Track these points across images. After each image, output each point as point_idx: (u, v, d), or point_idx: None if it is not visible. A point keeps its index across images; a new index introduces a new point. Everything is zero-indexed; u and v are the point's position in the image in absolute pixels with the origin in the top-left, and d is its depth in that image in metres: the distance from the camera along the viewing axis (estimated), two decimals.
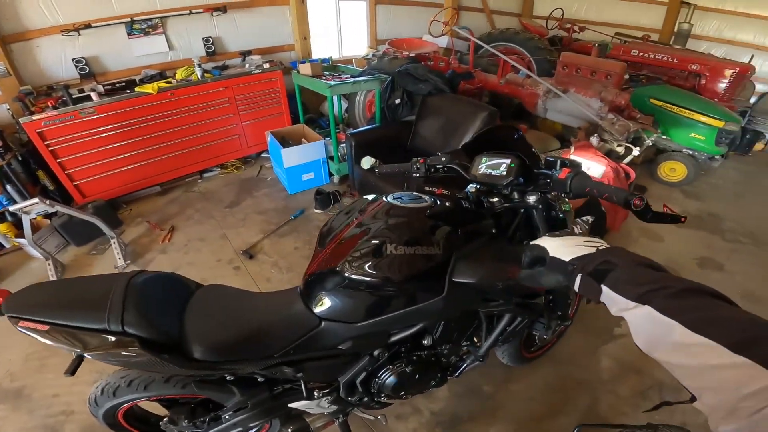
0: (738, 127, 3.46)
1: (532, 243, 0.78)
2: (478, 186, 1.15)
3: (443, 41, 5.07)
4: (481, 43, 3.96)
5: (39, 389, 1.86)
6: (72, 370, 0.92)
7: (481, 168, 1.09)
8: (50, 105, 2.90)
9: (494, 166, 1.07)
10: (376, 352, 1.12)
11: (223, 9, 3.93)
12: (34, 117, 2.78)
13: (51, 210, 2.42)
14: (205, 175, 3.94)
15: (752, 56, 4.80)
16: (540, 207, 1.06)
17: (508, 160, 1.04)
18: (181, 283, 1.08)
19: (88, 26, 3.30)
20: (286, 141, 3.62)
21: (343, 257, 0.97)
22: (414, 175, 1.33)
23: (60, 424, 1.70)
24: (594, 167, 2.54)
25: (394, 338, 1.12)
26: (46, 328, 0.84)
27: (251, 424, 1.18)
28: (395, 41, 4.96)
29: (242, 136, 3.97)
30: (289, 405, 1.18)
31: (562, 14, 5.88)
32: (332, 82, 3.31)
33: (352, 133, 3.26)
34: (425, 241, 0.97)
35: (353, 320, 0.99)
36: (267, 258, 2.74)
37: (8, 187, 2.83)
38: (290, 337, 0.99)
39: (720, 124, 3.44)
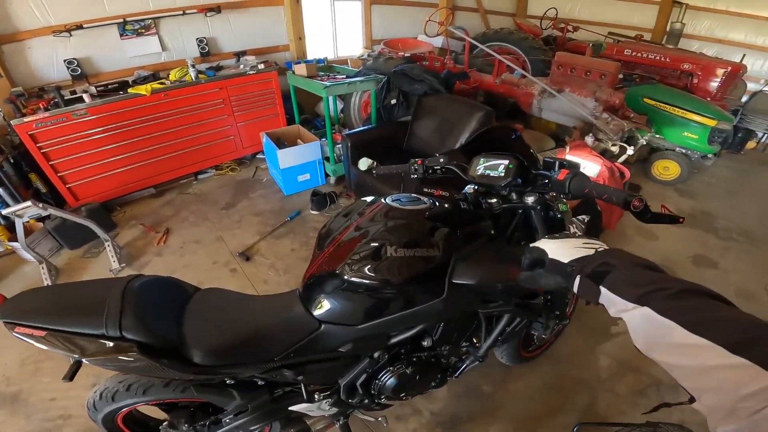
0: (730, 126, 3.51)
1: (531, 245, 0.78)
2: (476, 187, 1.16)
3: (438, 41, 5.07)
4: (476, 43, 3.97)
5: (36, 393, 1.85)
6: (70, 376, 0.91)
7: (479, 169, 1.10)
8: (42, 107, 2.86)
9: (492, 167, 1.07)
10: (376, 354, 1.12)
11: (217, 9, 3.90)
12: (26, 119, 2.75)
13: (44, 213, 2.39)
14: (200, 176, 3.92)
15: (744, 55, 4.86)
16: (538, 208, 1.06)
17: (506, 161, 1.05)
18: (178, 286, 1.07)
19: (79, 27, 3.26)
20: (281, 142, 3.61)
21: (342, 260, 0.97)
22: (412, 176, 1.33)
23: (58, 429, 1.69)
24: (589, 166, 2.56)
25: (394, 340, 1.11)
26: (42, 333, 0.84)
27: (252, 428, 1.17)
28: (390, 41, 4.96)
29: (237, 137, 3.95)
30: (290, 408, 1.17)
31: (556, 14, 5.92)
32: (328, 83, 3.30)
33: (349, 133, 3.26)
34: (425, 243, 0.97)
35: (353, 323, 0.99)
36: (264, 260, 2.73)
37: (0, 190, 2.79)
38: (290, 341, 0.99)
39: (713, 123, 3.47)
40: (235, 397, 1.08)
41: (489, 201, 1.11)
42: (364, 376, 1.15)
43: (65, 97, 2.96)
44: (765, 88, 4.76)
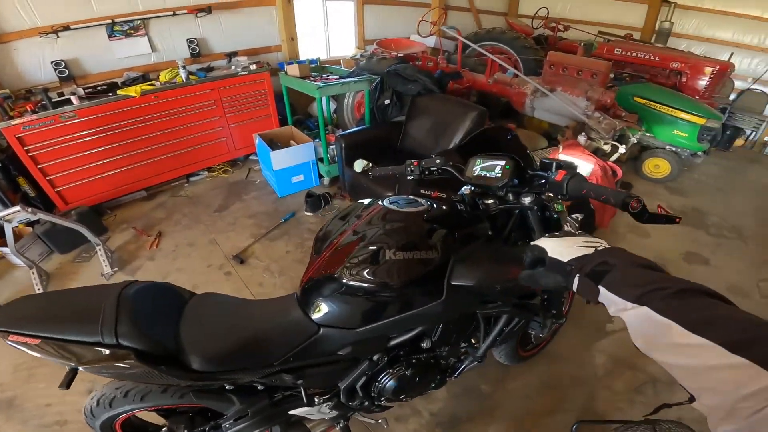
0: (719, 124, 3.56)
1: (531, 243, 0.78)
2: (473, 188, 1.16)
3: (431, 41, 5.08)
4: (468, 42, 3.98)
5: (31, 399, 1.82)
6: (67, 383, 0.90)
7: (476, 170, 1.10)
8: (29, 109, 2.81)
9: (489, 167, 1.07)
10: (375, 357, 1.12)
11: (207, 10, 3.86)
12: (13, 122, 2.69)
13: (33, 218, 2.35)
14: (192, 179, 3.87)
15: (731, 54, 4.93)
16: (535, 208, 1.07)
17: (503, 162, 1.05)
18: (173, 292, 1.06)
19: (67, 28, 3.21)
20: (274, 143, 3.59)
21: (340, 263, 0.96)
22: (408, 177, 1.32)
23: None
24: (582, 165, 2.58)
25: (393, 342, 1.11)
26: (37, 341, 0.82)
27: None
28: (383, 41, 4.96)
29: (229, 138, 3.91)
30: (290, 412, 1.17)
31: (547, 13, 5.96)
32: (321, 84, 3.29)
33: (342, 134, 3.24)
34: (423, 246, 0.97)
35: (352, 326, 0.99)
36: (258, 262, 2.72)
37: None
38: (289, 345, 0.98)
39: (702, 121, 3.53)
40: (234, 402, 1.07)
41: (486, 202, 1.11)
42: (363, 379, 1.15)
43: (53, 100, 2.90)
44: (752, 86, 4.84)
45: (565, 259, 0.70)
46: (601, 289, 0.62)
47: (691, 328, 0.48)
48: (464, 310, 1.16)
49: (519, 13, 7.26)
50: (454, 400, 1.80)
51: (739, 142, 4.26)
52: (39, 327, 0.83)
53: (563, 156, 2.66)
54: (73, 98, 2.94)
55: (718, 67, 4.09)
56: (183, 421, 1.16)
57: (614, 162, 2.83)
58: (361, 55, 4.71)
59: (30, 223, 2.68)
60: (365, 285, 0.94)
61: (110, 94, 3.14)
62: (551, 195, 1.01)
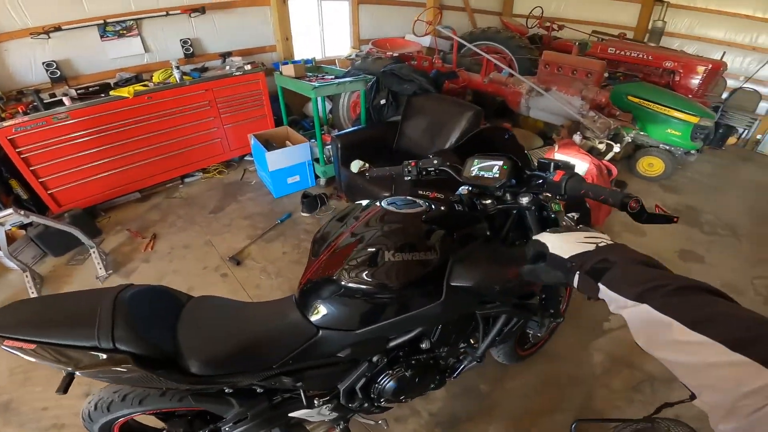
0: (712, 123, 3.60)
1: (533, 238, 0.78)
2: (470, 188, 1.16)
3: (426, 41, 5.08)
4: (464, 42, 3.99)
5: (27, 403, 1.81)
6: (64, 388, 0.89)
7: (474, 170, 1.09)
8: (21, 111, 2.77)
9: (486, 168, 1.07)
10: (375, 358, 1.12)
11: (201, 10, 3.83)
12: (5, 123, 2.66)
13: (26, 220, 2.32)
14: (187, 180, 3.84)
15: (724, 53, 4.98)
16: (533, 208, 1.07)
17: (501, 162, 1.05)
18: (170, 295, 1.05)
19: (58, 29, 3.17)
20: (269, 144, 3.57)
21: (339, 265, 0.96)
22: (405, 178, 1.32)
23: None
24: (578, 164, 2.59)
25: (392, 343, 1.11)
26: (32, 346, 0.81)
27: None
28: (379, 41, 4.95)
29: (224, 139, 3.89)
30: (290, 414, 1.16)
31: (542, 12, 5.98)
32: (317, 84, 3.28)
33: (338, 134, 3.24)
34: (422, 247, 0.97)
35: (351, 328, 0.99)
36: (255, 264, 2.70)
37: None
38: (288, 347, 0.97)
39: (695, 119, 3.56)
40: (233, 405, 1.06)
41: (483, 202, 1.11)
42: (363, 380, 1.14)
43: (45, 101, 2.86)
44: (744, 85, 4.89)
45: (566, 256, 0.70)
46: (601, 286, 0.62)
47: (691, 325, 0.47)
48: (463, 310, 1.16)
49: (514, 12, 7.29)
50: (453, 400, 1.80)
51: (731, 140, 4.32)
52: (35, 332, 0.82)
53: (558, 155, 2.67)
54: (65, 99, 2.91)
55: (710, 65, 4.13)
56: (182, 425, 1.15)
57: (609, 161, 2.85)
58: (357, 55, 4.70)
59: (23, 226, 2.64)
60: (364, 287, 0.93)
61: (103, 95, 3.11)
62: (549, 195, 1.01)
